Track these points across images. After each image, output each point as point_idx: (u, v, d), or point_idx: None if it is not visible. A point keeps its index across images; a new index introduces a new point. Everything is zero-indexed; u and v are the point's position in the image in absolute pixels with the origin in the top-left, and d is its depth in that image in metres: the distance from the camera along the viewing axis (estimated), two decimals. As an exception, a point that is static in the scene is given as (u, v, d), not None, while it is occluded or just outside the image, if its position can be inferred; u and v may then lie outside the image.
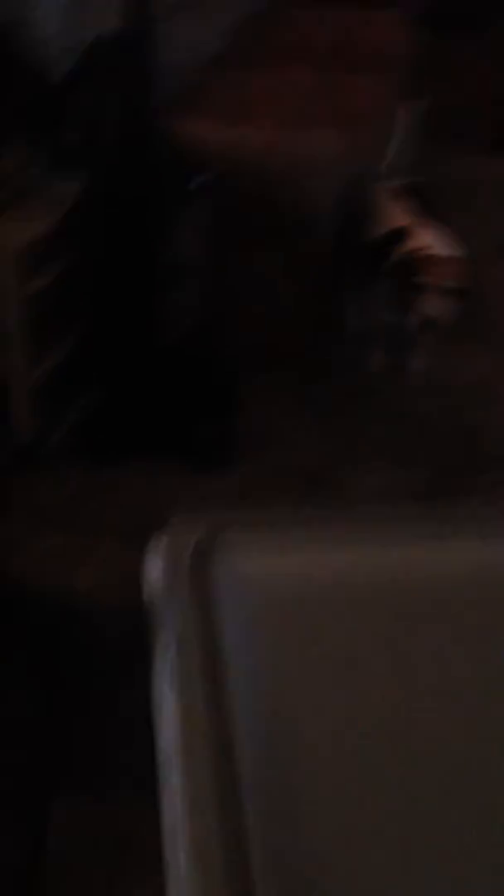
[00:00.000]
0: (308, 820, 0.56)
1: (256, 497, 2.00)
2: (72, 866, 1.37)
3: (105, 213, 1.93)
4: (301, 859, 0.54)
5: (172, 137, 2.03)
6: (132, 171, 1.89)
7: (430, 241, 2.13)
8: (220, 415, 2.12)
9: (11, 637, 1.67)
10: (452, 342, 2.42)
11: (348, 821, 0.57)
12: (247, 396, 2.16)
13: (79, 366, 2.10)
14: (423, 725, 0.62)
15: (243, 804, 0.56)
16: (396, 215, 2.20)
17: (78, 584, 1.79)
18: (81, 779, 1.49)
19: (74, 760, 1.52)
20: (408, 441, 2.18)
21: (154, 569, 0.72)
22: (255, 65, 2.70)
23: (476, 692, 0.64)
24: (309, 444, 2.15)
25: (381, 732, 0.61)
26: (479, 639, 0.66)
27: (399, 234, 2.17)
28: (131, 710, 0.83)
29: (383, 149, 2.43)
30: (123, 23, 1.82)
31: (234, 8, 2.92)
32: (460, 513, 0.75)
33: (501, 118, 3.29)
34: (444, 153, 3.13)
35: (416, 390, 2.33)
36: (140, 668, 0.72)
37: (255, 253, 2.13)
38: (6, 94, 1.96)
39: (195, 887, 0.52)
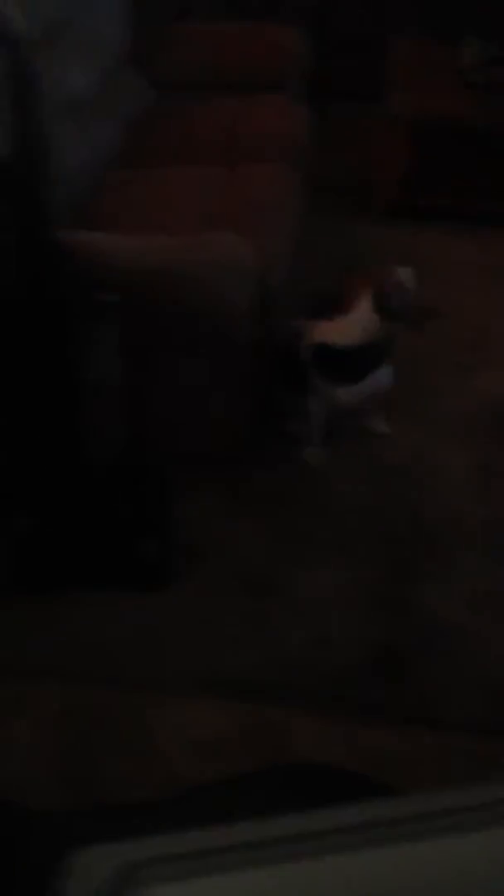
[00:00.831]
0: None
1: (200, 616, 1.92)
2: None
3: (9, 342, 1.86)
4: None
5: (73, 256, 1.98)
6: (35, 299, 1.82)
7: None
8: (156, 529, 2.05)
9: None
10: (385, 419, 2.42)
11: None
12: (181, 508, 2.09)
13: (2, 495, 2.00)
14: None
15: None
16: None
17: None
18: None
19: None
20: (351, 534, 2.13)
21: None
22: (150, 165, 2.69)
23: None
24: (251, 549, 2.09)
25: None
26: None
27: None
28: None
29: (288, 241, 2.43)
30: (7, 147, 1.77)
31: (123, 110, 2.93)
32: (407, 809, 0.67)
33: (393, 189, 3.36)
34: (335, 225, 3.20)
35: (354, 476, 2.30)
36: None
37: (173, 362, 2.08)
38: None
39: None
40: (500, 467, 2.33)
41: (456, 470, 2.33)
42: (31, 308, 1.84)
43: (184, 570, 2.02)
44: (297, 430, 2.41)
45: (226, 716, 1.74)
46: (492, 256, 3.23)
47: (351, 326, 2.13)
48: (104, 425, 1.99)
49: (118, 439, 2.01)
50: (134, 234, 2.12)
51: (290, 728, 1.72)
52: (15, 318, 1.86)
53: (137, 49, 3.20)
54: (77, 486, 2.01)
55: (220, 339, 2.04)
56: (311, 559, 2.06)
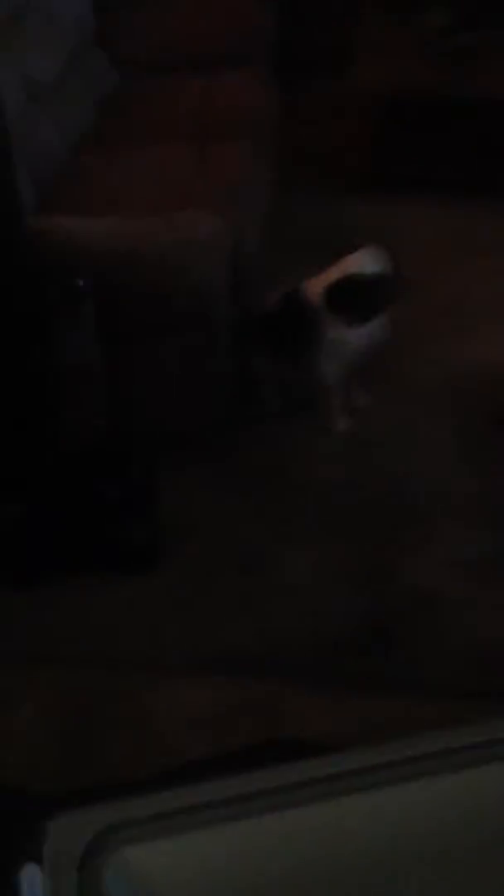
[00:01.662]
0: None
1: (190, 595, 1.94)
2: None
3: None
4: None
5: (45, 240, 1.97)
6: (8, 285, 1.82)
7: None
8: (143, 512, 2.05)
9: None
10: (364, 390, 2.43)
11: None
12: (166, 489, 2.10)
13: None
14: None
15: None
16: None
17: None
18: None
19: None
20: (335, 508, 2.15)
21: (32, 884, 0.63)
22: (118, 147, 2.67)
23: None
24: (235, 529, 2.10)
25: None
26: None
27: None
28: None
29: (259, 217, 2.42)
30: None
31: (89, 92, 2.90)
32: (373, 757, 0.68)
33: (364, 161, 3.35)
34: (305, 199, 3.19)
35: (336, 451, 2.31)
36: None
37: (150, 344, 2.08)
38: None
39: None
40: (479, 434, 2.35)
41: (437, 441, 2.34)
42: (5, 294, 1.83)
43: (172, 551, 2.03)
44: (277, 405, 2.42)
45: (220, 692, 1.76)
46: (463, 226, 3.23)
47: (362, 259, 2.14)
48: (85, 409, 1.99)
49: (100, 423, 2.01)
50: (104, 217, 2.11)
51: (282, 701, 1.75)
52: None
53: (102, 30, 3.17)
54: (61, 472, 2.01)
55: (195, 317, 2.04)
56: (297, 535, 2.08)
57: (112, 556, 2.00)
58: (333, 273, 2.17)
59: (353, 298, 2.16)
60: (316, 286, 2.21)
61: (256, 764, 0.67)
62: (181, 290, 2.00)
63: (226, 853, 0.63)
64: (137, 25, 3.22)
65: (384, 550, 2.04)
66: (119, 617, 1.90)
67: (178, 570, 2.00)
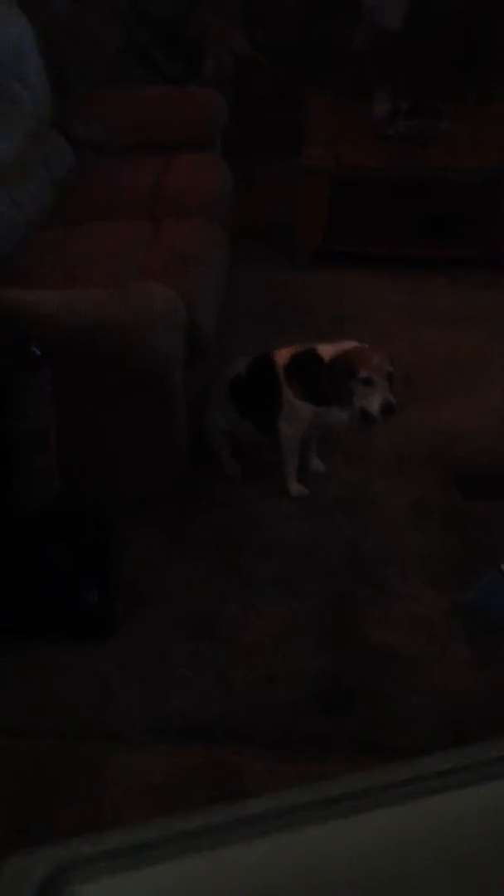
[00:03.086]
0: None
1: (145, 660, 1.92)
2: None
3: None
4: None
5: (1, 310, 2.01)
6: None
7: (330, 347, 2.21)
8: (98, 577, 2.04)
9: None
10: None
11: None
12: (121, 553, 2.10)
13: None
14: None
15: None
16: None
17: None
18: None
19: None
20: (292, 570, 2.16)
21: None
22: (75, 223, 2.74)
23: None
24: (193, 590, 2.10)
25: None
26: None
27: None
28: None
29: (215, 289, 2.49)
30: None
31: (48, 172, 2.99)
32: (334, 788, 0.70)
33: (316, 237, 3.47)
34: (259, 273, 3.30)
35: (293, 514, 2.33)
36: None
37: (106, 409, 2.11)
38: None
39: None
40: (434, 499, 2.39)
41: (392, 504, 2.38)
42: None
43: (128, 616, 2.02)
44: (235, 470, 2.45)
45: (176, 759, 1.73)
46: (413, 298, 3.35)
47: (354, 348, 2.19)
48: (39, 473, 1.99)
49: (54, 487, 2.01)
50: (62, 289, 2.16)
51: (240, 768, 1.72)
52: None
53: (61, 112, 3.29)
54: (14, 536, 2.00)
55: (151, 383, 2.07)
56: (254, 597, 2.08)
57: (66, 622, 1.98)
58: (317, 347, 2.23)
59: (307, 375, 2.23)
60: (284, 354, 2.27)
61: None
62: (137, 358, 2.03)
63: (175, 889, 0.63)
64: (95, 110, 3.35)
65: (341, 611, 2.05)
66: (72, 683, 1.88)
67: (132, 635, 1.98)
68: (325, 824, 0.64)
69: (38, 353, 1.92)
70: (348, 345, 2.21)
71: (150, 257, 2.49)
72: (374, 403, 2.13)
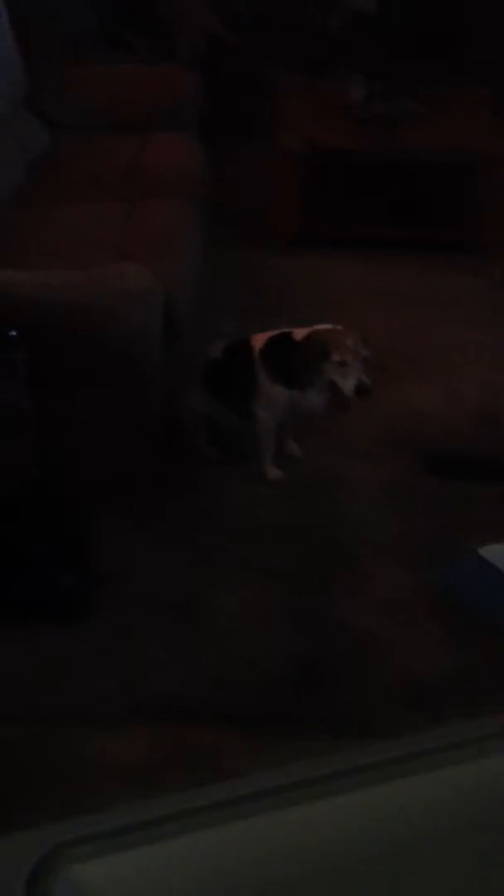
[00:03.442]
0: None
1: (122, 643, 1.92)
2: None
3: None
4: None
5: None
6: None
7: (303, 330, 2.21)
8: (74, 560, 2.04)
9: None
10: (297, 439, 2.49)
11: None
12: (98, 537, 2.09)
13: None
14: None
15: None
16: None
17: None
18: None
19: None
20: (268, 552, 2.17)
21: None
22: (50, 204, 2.72)
23: None
24: (170, 573, 2.10)
25: None
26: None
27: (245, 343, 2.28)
28: None
29: (191, 270, 2.48)
30: None
31: (20, 152, 2.96)
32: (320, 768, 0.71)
33: (292, 220, 3.47)
34: (235, 256, 3.29)
35: (268, 496, 2.34)
36: None
37: (83, 392, 2.10)
38: None
39: None
40: (407, 482, 2.41)
41: (366, 487, 2.40)
42: None
43: (104, 599, 2.02)
44: (211, 454, 2.45)
45: (153, 740, 1.74)
46: (387, 282, 3.36)
47: (327, 331, 2.19)
48: (15, 458, 1.98)
49: (30, 471, 2.01)
50: (37, 270, 2.14)
51: (217, 749, 1.73)
52: None
53: (33, 91, 3.24)
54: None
55: (127, 365, 2.07)
56: (230, 579, 2.09)
57: (43, 606, 1.98)
58: (292, 331, 2.23)
59: (282, 359, 2.23)
60: (260, 339, 2.27)
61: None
62: (113, 340, 2.03)
63: (175, 866, 0.64)
64: (69, 91, 3.31)
65: (317, 593, 2.06)
66: (50, 667, 1.87)
67: (109, 618, 1.98)
68: (325, 800, 0.65)
69: (14, 334, 1.91)
70: (322, 328, 2.22)
71: (125, 238, 2.47)
72: (348, 384, 2.14)
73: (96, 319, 2.04)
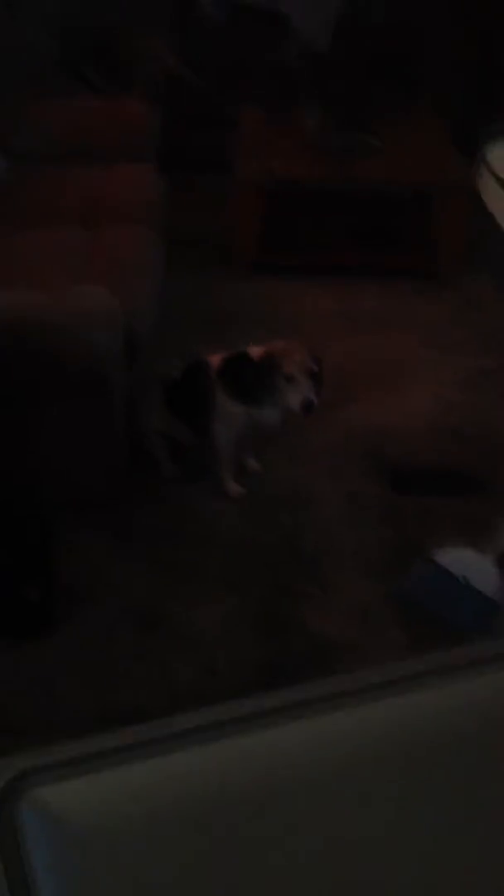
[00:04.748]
0: None
1: (87, 656, 1.93)
2: None
3: None
4: None
5: None
6: None
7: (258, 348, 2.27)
8: (38, 575, 2.05)
9: None
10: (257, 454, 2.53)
11: None
12: (62, 551, 2.11)
13: None
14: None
15: None
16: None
17: None
18: None
19: None
20: (232, 564, 2.20)
21: None
22: (11, 230, 2.76)
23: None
24: (136, 587, 2.12)
25: None
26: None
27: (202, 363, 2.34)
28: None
29: (151, 294, 2.53)
30: None
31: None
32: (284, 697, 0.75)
33: (252, 248, 3.54)
34: (196, 282, 3.35)
35: (232, 511, 2.38)
36: None
37: (45, 410, 2.13)
38: None
39: None
40: (368, 495, 2.46)
41: (328, 500, 2.44)
42: None
43: (70, 614, 2.03)
44: (172, 471, 2.49)
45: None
46: (345, 305, 3.44)
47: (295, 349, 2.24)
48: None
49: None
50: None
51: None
52: None
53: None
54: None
55: (91, 385, 2.10)
56: (196, 592, 2.11)
57: (7, 620, 1.99)
58: (248, 350, 2.29)
59: (239, 377, 2.29)
60: (217, 359, 2.33)
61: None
62: (74, 359, 2.06)
63: (136, 790, 0.67)
64: (29, 120, 3.36)
65: (281, 603, 2.09)
66: (14, 681, 1.88)
67: (74, 631, 2.00)
68: (286, 727, 0.69)
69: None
70: (277, 344, 2.28)
71: (87, 262, 2.52)
72: (294, 399, 2.19)
73: (59, 340, 2.07)
